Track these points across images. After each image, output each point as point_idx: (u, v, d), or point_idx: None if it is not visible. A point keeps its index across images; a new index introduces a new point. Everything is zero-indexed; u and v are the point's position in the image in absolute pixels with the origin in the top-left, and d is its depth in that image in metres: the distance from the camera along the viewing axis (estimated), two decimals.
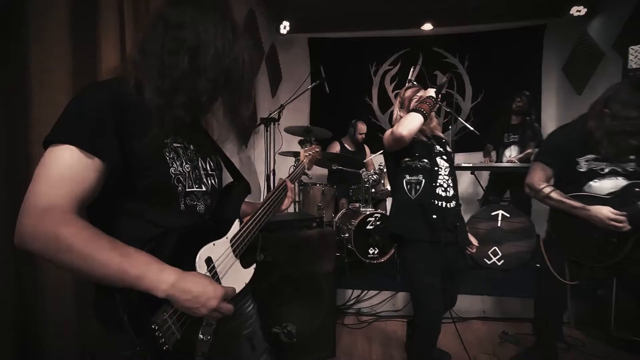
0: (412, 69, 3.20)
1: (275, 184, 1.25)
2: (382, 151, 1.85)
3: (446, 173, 1.67)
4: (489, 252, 3.19)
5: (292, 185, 1.20)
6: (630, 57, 2.11)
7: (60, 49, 1.30)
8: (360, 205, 3.18)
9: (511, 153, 3.59)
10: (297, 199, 3.29)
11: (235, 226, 0.95)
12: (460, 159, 4.13)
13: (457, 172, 3.81)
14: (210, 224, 0.91)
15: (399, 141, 1.55)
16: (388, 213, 3.18)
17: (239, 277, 0.95)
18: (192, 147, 0.90)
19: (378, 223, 2.97)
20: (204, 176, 0.92)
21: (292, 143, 3.90)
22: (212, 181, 0.96)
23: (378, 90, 4.71)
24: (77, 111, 0.73)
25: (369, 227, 2.94)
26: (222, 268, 0.88)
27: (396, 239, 1.71)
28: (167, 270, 0.72)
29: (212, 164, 0.97)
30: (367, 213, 2.94)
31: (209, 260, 0.84)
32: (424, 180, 1.63)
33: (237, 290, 0.90)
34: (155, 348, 0.72)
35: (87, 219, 0.76)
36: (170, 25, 0.81)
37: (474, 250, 1.76)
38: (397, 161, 1.69)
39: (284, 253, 1.95)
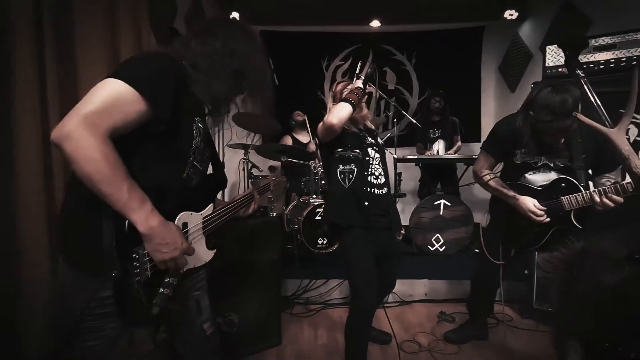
0: (359, 64, 3.27)
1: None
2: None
3: (377, 163, 1.75)
4: (432, 239, 3.37)
5: (258, 197, 1.39)
6: (548, 56, 2.31)
7: None
8: (310, 197, 3.22)
9: (438, 147, 3.87)
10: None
11: (209, 208, 1.10)
12: (406, 152, 4.31)
13: (404, 165, 4.04)
14: (195, 197, 1.06)
15: (330, 130, 1.60)
16: None
17: (201, 253, 1.06)
18: (208, 132, 1.10)
19: None
20: (205, 158, 1.10)
21: (243, 134, 3.85)
22: (205, 165, 1.12)
23: (330, 85, 4.77)
24: (143, 61, 0.91)
25: (317, 217, 2.99)
26: (192, 237, 1.01)
27: (333, 226, 1.76)
28: (155, 213, 0.86)
29: (208, 152, 1.13)
30: (316, 204, 2.98)
31: (184, 225, 0.99)
32: (356, 170, 1.69)
33: (198, 265, 1.06)
34: (128, 277, 0.85)
35: None
36: (211, 32, 1.03)
37: (400, 238, 1.88)
38: (330, 152, 1.75)
39: (227, 241, 1.93)
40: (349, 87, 1.77)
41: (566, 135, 1.64)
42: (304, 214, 2.92)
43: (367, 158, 1.72)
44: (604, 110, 0.93)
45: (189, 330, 1.20)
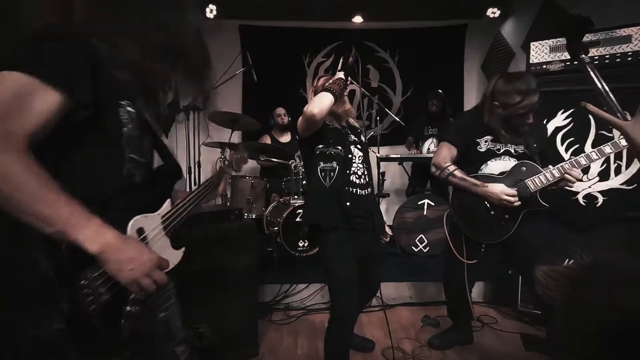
0: (341, 59, 3.17)
1: (201, 178, 1.24)
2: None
3: (360, 161, 1.65)
4: (416, 240, 3.30)
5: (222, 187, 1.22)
6: (532, 52, 2.26)
7: None
8: (290, 198, 3.10)
9: (430, 145, 3.84)
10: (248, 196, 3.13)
11: (167, 205, 0.94)
12: (389, 151, 4.24)
13: (386, 164, 3.98)
14: (145, 196, 0.91)
15: (311, 121, 1.50)
16: None
17: (168, 256, 0.90)
18: (143, 117, 0.90)
19: None
20: (148, 147, 0.94)
21: (224, 134, 3.70)
22: (149, 157, 0.96)
23: (312, 82, 4.65)
24: (41, 43, 0.71)
25: (298, 219, 2.87)
26: (152, 242, 0.86)
27: (313, 228, 1.65)
28: (105, 227, 0.72)
29: (154, 140, 0.98)
30: (297, 205, 2.87)
31: (140, 231, 0.84)
32: (337, 168, 1.59)
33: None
34: (81, 307, 0.71)
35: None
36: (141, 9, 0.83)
37: (387, 240, 1.79)
38: (311, 148, 1.64)
39: (198, 248, 1.79)
40: (331, 80, 1.66)
41: (533, 111, 1.68)
42: (284, 215, 2.80)
43: (350, 156, 1.62)
44: (614, 100, 0.84)
45: (159, 358, 1.03)
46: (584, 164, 1.62)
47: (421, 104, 4.00)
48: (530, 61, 2.28)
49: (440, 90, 3.82)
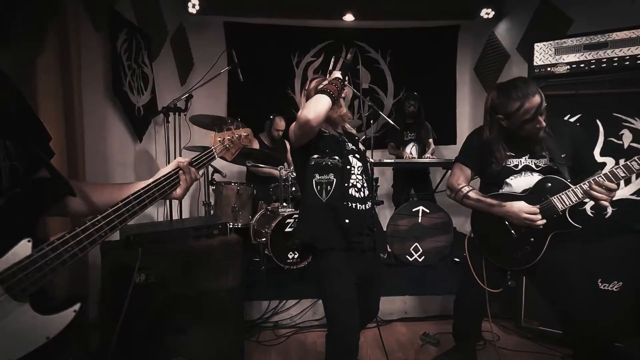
0: (332, 59, 3.00)
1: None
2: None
3: (359, 172, 1.48)
4: (411, 249, 3.16)
5: (192, 173, 0.97)
6: (536, 54, 2.13)
7: None
8: (279, 206, 2.90)
9: (411, 150, 3.78)
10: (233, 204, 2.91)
11: (20, 250, 0.64)
12: (382, 155, 4.10)
13: (380, 168, 3.82)
14: None
15: (305, 127, 1.32)
16: None
17: (28, 331, 0.63)
18: None
19: None
20: None
21: (203, 137, 3.47)
22: None
23: (301, 82, 4.47)
24: None
25: (288, 229, 2.68)
26: None
27: (308, 248, 1.46)
28: None
29: None
30: (286, 214, 2.68)
31: None
32: (335, 180, 1.41)
33: (17, 357, 0.60)
34: None
35: None
36: None
37: (385, 256, 1.62)
38: (304, 158, 1.46)
39: (174, 270, 1.59)
40: (324, 83, 1.48)
41: (542, 114, 1.48)
42: (273, 225, 2.61)
43: (348, 167, 1.44)
44: None
45: None
46: (623, 176, 1.38)
47: (394, 109, 3.92)
48: (535, 63, 2.15)
49: (416, 93, 3.75)
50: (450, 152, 4.39)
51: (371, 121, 3.26)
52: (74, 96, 1.69)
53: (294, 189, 2.98)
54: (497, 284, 1.67)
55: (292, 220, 2.70)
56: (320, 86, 1.43)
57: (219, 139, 1.18)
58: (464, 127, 4.63)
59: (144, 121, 2.76)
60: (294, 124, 1.40)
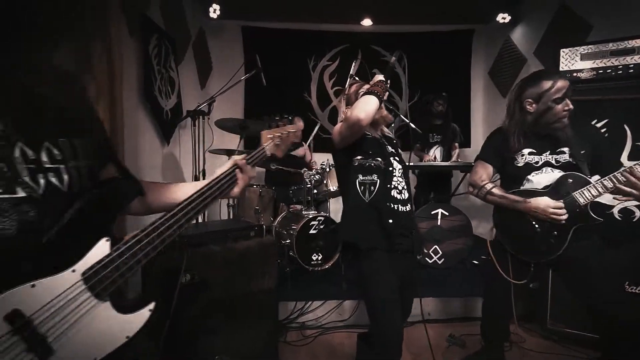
0: (353, 64, 3.04)
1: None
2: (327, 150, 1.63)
3: (400, 175, 1.52)
4: (430, 251, 3.18)
5: (249, 171, 0.98)
6: (562, 59, 2.16)
7: None
8: (302, 208, 2.94)
9: (435, 153, 3.77)
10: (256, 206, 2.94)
11: (100, 249, 0.65)
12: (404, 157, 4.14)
13: None
14: (36, 252, 0.59)
15: (355, 127, 1.37)
16: (331, 215, 3.00)
17: (109, 330, 0.64)
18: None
19: (322, 227, 2.77)
20: (24, 172, 0.60)
21: (226, 140, 3.52)
22: (52, 179, 0.64)
23: (317, 86, 4.52)
24: None
25: (312, 231, 2.72)
26: (56, 323, 0.57)
27: (350, 248, 1.50)
28: None
29: (56, 152, 0.65)
30: (310, 216, 2.71)
31: (14, 315, 0.54)
32: (378, 181, 1.44)
33: (103, 355, 0.62)
34: None
35: None
36: None
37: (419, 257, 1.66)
38: (348, 159, 1.49)
39: (216, 271, 1.63)
40: (364, 87, 1.52)
41: (570, 95, 1.57)
42: (298, 227, 2.65)
43: (390, 168, 1.48)
44: None
45: None
46: None
47: (424, 108, 3.93)
48: (560, 68, 2.18)
49: (444, 94, 3.75)
50: (465, 155, 4.41)
51: (392, 124, 3.29)
52: (117, 100, 1.75)
53: (315, 191, 3.02)
54: (522, 277, 1.73)
55: (316, 223, 2.74)
56: (364, 88, 1.47)
57: (269, 136, 1.13)
58: (478, 130, 4.66)
59: (172, 125, 2.82)
60: (339, 125, 1.44)
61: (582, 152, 1.61)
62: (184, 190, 0.90)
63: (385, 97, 1.51)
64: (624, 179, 1.46)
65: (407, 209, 1.51)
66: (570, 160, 1.62)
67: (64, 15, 0.64)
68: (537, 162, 1.67)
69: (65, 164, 0.65)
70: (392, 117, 1.65)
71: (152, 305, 0.71)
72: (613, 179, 1.48)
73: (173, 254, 1.53)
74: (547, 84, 1.58)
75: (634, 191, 1.44)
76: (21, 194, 0.59)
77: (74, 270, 0.61)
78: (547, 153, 1.66)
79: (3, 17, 0.56)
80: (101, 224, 0.70)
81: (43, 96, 0.64)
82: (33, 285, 0.56)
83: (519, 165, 1.69)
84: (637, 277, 2.00)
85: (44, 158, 0.62)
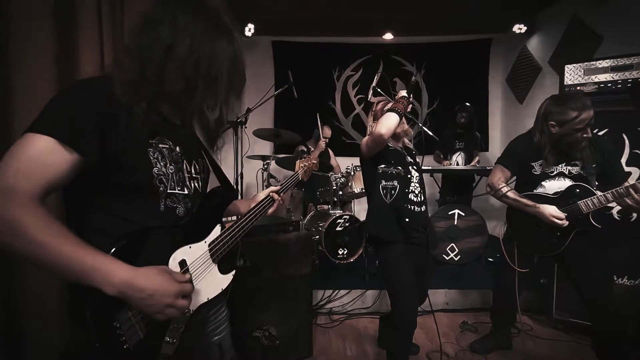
0: (375, 76, 3.35)
1: (243, 189, 1.29)
2: (347, 154, 1.95)
3: (417, 181, 1.81)
4: (447, 249, 3.44)
5: (279, 198, 1.26)
6: (567, 74, 2.39)
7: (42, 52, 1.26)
8: (328, 208, 3.27)
9: (458, 158, 4.01)
10: (287, 205, 3.32)
11: (216, 231, 0.97)
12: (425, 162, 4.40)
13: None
14: (189, 227, 0.91)
15: (378, 141, 1.66)
16: (355, 214, 3.31)
17: (215, 282, 0.97)
18: (178, 148, 0.91)
19: (347, 224, 3.08)
20: (187, 179, 0.93)
21: (258, 146, 3.90)
22: (196, 184, 0.97)
23: (341, 95, 4.85)
24: (60, 105, 0.73)
25: (338, 228, 3.04)
26: (198, 272, 0.89)
27: (373, 240, 1.82)
28: (119, 266, 0.70)
29: (197, 167, 0.99)
30: (337, 215, 3.04)
31: (182, 263, 0.85)
32: (398, 186, 1.75)
33: (212, 296, 0.95)
34: (116, 347, 0.72)
35: (65, 210, 0.81)
36: (150, 21, 0.81)
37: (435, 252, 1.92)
38: (374, 167, 1.80)
39: (263, 257, 1.98)
40: (389, 105, 1.80)
41: (590, 126, 1.74)
42: (326, 224, 2.97)
43: (409, 176, 1.78)
44: None
45: None
46: None
47: (449, 118, 4.15)
48: (565, 82, 2.41)
49: (468, 104, 3.96)
50: (483, 160, 4.60)
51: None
52: None
53: (340, 192, 3.34)
54: (525, 267, 1.98)
55: (341, 221, 3.06)
56: (388, 106, 1.77)
57: (302, 165, 1.49)
58: (496, 135, 4.85)
59: (216, 134, 3.20)
60: (366, 137, 1.76)
61: (594, 165, 1.82)
62: (242, 204, 1.23)
63: (409, 109, 1.78)
64: (626, 194, 1.65)
65: (422, 210, 1.81)
66: (582, 172, 1.83)
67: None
68: (552, 172, 1.90)
69: (200, 175, 1.01)
70: (412, 131, 1.94)
71: (233, 271, 1.05)
72: (615, 193, 1.68)
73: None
74: (572, 114, 1.72)
75: (634, 205, 1.64)
76: (186, 191, 0.92)
77: (205, 242, 0.93)
78: (563, 164, 1.88)
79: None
80: (217, 214, 1.02)
81: (193, 131, 0.98)
82: (190, 247, 0.88)
83: (535, 173, 1.93)
84: (633, 272, 2.21)
85: (193, 170, 0.97)
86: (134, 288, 0.70)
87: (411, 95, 1.80)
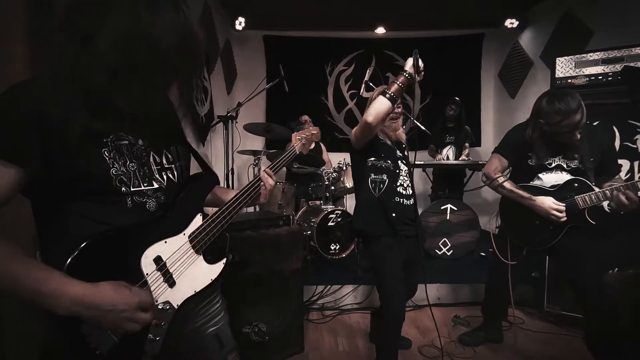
0: (368, 71, 3.33)
1: (234, 184, 1.22)
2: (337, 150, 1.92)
3: (405, 175, 1.79)
4: (439, 244, 3.43)
5: (269, 177, 1.14)
6: (557, 67, 2.39)
7: None
8: (320, 203, 3.25)
9: (448, 153, 4.01)
10: (280, 201, 3.25)
11: (197, 221, 0.92)
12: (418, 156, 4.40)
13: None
14: (164, 221, 0.86)
15: (367, 129, 1.61)
16: (347, 209, 3.29)
17: (203, 273, 0.93)
18: (141, 142, 0.84)
19: (339, 220, 3.06)
20: (156, 172, 0.87)
21: (250, 141, 3.86)
22: (170, 175, 0.91)
23: (333, 90, 4.81)
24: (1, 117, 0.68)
25: (330, 224, 3.02)
26: (178, 266, 0.85)
27: (360, 234, 1.80)
28: (69, 285, 0.66)
29: (170, 156, 0.92)
30: (329, 210, 3.01)
31: (157, 259, 0.81)
32: (387, 180, 1.73)
33: (199, 288, 0.91)
34: (88, 353, 0.70)
35: (34, 217, 0.77)
36: (67, 10, 0.73)
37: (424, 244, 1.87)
38: (363, 159, 1.78)
39: (252, 253, 1.95)
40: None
41: (579, 129, 1.73)
42: (318, 219, 2.95)
43: (397, 170, 1.76)
44: None
45: None
46: None
47: (439, 111, 4.15)
48: (556, 75, 2.41)
49: (457, 98, 3.96)
50: (475, 154, 4.62)
51: (403, 126, 3.54)
52: None
53: (332, 188, 3.31)
54: (514, 259, 1.96)
55: (334, 216, 3.04)
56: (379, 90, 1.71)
57: (298, 137, 1.31)
58: (489, 130, 4.86)
59: (206, 128, 3.17)
60: (356, 127, 1.73)
61: (592, 159, 1.78)
62: (225, 193, 1.14)
63: (402, 92, 1.58)
64: (623, 192, 1.63)
65: (411, 202, 1.79)
66: (580, 166, 1.80)
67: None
68: (550, 164, 1.86)
69: (174, 164, 0.94)
70: (403, 135, 1.90)
71: (224, 260, 0.99)
72: (615, 190, 1.65)
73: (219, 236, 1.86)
74: (556, 118, 1.70)
75: (630, 205, 1.62)
76: (155, 185, 0.86)
77: (184, 234, 0.88)
78: (560, 157, 1.84)
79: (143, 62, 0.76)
80: (197, 204, 0.96)
81: (161, 118, 0.90)
82: (165, 242, 0.83)
83: (531, 164, 1.89)
84: (625, 264, 2.22)
85: (164, 161, 0.91)
86: (88, 306, 0.67)
87: (417, 76, 1.55)
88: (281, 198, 3.35)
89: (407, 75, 1.56)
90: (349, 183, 3.30)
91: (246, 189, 1.09)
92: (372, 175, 1.75)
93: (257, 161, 3.32)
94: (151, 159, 0.87)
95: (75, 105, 0.72)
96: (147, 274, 0.79)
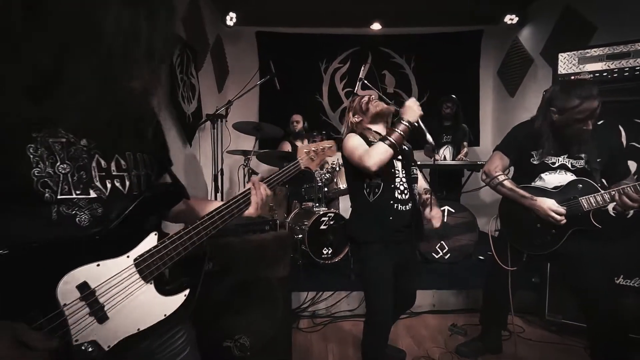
0: (362, 67, 3.20)
1: (224, 185, 1.09)
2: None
3: (403, 176, 1.67)
4: (437, 247, 3.32)
5: (262, 190, 1.01)
6: (560, 63, 2.27)
7: None
8: (313, 205, 3.13)
9: (445, 152, 3.89)
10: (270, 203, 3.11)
11: (150, 241, 0.78)
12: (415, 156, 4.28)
13: None
14: (100, 239, 0.72)
15: (365, 171, 1.53)
16: (340, 211, 3.17)
17: (153, 307, 0.78)
18: (84, 141, 0.73)
19: (332, 222, 2.94)
20: (96, 178, 0.74)
21: (241, 141, 3.74)
22: (117, 184, 0.77)
23: (328, 88, 4.69)
24: None
25: (322, 227, 2.90)
26: (112, 296, 0.71)
27: (352, 240, 1.69)
28: None
29: (123, 163, 0.79)
30: (321, 213, 2.89)
31: (83, 286, 0.67)
32: (382, 184, 1.61)
33: (146, 326, 0.76)
34: None
35: None
36: None
37: (438, 226, 1.69)
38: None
39: (235, 260, 1.82)
40: (380, 104, 1.66)
41: (594, 118, 1.60)
42: (310, 222, 2.83)
43: (393, 170, 1.64)
44: None
45: None
46: None
47: (435, 109, 4.03)
48: (559, 72, 2.29)
49: (454, 96, 3.84)
50: (473, 154, 4.50)
51: None
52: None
53: (325, 189, 3.19)
54: (514, 265, 1.84)
55: (326, 219, 2.91)
56: (375, 105, 1.65)
57: (306, 150, 1.20)
58: (487, 129, 4.75)
59: (193, 127, 3.04)
60: (351, 144, 1.60)
61: (598, 160, 1.66)
62: (206, 205, 0.99)
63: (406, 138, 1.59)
64: (630, 194, 1.53)
65: (408, 207, 1.66)
66: (585, 166, 1.68)
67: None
68: (553, 163, 1.74)
69: (128, 172, 0.80)
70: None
71: (187, 292, 0.84)
72: (622, 192, 1.55)
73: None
74: (573, 102, 1.58)
75: (635, 205, 1.52)
76: (92, 195, 0.73)
77: (128, 256, 0.74)
78: (565, 156, 1.72)
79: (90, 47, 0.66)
80: (151, 220, 0.83)
81: (118, 116, 0.77)
82: (98, 265, 0.70)
83: (534, 162, 1.77)
84: (631, 270, 2.10)
85: (113, 167, 0.78)
86: None
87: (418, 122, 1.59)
88: (272, 200, 3.22)
89: (407, 124, 1.56)
90: (342, 184, 3.18)
91: (229, 204, 0.94)
92: (367, 180, 1.63)
93: (247, 162, 3.20)
94: (94, 163, 0.74)
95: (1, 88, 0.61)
96: (64, 304, 0.65)
